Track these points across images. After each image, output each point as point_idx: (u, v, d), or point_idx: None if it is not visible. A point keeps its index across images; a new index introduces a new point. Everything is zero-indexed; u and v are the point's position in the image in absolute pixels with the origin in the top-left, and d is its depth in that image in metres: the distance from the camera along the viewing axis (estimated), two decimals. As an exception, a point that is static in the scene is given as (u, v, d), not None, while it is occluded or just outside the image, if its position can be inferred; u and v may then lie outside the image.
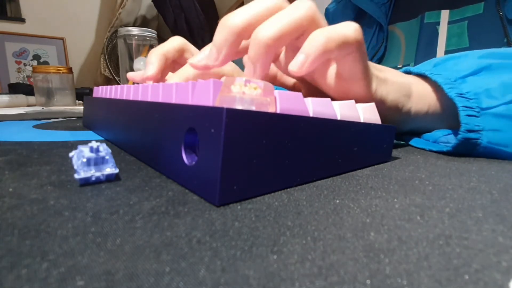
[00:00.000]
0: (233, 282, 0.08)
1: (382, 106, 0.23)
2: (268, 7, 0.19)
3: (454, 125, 0.23)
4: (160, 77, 0.29)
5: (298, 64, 0.18)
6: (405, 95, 0.25)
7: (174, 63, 0.31)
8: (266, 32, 0.18)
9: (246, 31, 0.19)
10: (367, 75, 0.21)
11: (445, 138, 0.26)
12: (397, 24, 0.52)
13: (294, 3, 0.19)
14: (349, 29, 0.19)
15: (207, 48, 0.20)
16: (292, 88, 0.32)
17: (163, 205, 0.12)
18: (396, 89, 0.25)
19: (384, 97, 0.24)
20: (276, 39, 0.18)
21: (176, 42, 0.31)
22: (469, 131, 0.22)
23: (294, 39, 0.19)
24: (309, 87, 0.27)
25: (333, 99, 0.24)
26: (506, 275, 0.08)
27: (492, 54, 0.26)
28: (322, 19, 0.20)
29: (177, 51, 0.31)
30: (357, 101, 0.22)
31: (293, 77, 0.27)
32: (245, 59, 0.19)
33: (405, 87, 0.25)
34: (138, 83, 0.33)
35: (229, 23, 0.19)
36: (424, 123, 0.28)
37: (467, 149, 0.24)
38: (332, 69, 0.22)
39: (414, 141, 0.29)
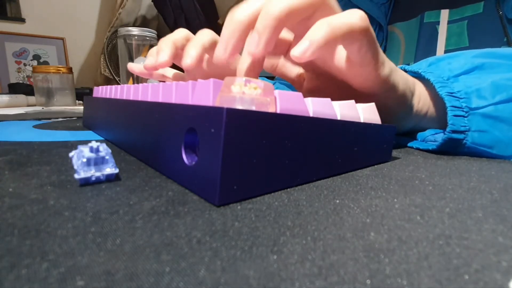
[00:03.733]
0: (233, 282, 0.08)
1: (393, 94, 0.23)
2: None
3: (446, 124, 0.24)
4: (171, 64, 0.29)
5: (301, 50, 0.17)
6: (410, 91, 0.25)
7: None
8: (277, 5, 0.17)
9: (253, 24, 0.18)
10: (377, 61, 0.21)
11: (433, 137, 0.26)
12: (396, 24, 0.52)
13: None
14: (355, 17, 0.19)
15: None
16: (295, 78, 0.31)
17: (163, 205, 0.12)
18: (404, 80, 0.25)
19: (396, 84, 0.23)
20: (287, 13, 0.17)
21: (182, 32, 0.31)
22: (455, 131, 0.23)
23: (304, 18, 0.19)
24: (313, 77, 0.27)
25: (338, 92, 0.24)
26: (506, 275, 0.08)
27: (486, 54, 0.26)
28: (334, 1, 0.19)
29: (184, 39, 0.31)
30: (369, 86, 0.22)
31: (304, 66, 0.26)
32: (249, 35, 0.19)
33: (410, 83, 0.26)
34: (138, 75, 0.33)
35: (235, 17, 0.19)
36: (423, 123, 0.29)
37: (452, 148, 0.24)
38: (342, 53, 0.22)
39: (404, 139, 0.29)
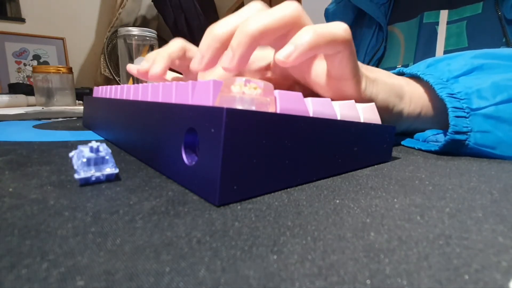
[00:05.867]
0: (233, 282, 0.08)
1: None
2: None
3: (446, 125, 0.24)
4: (164, 77, 0.30)
5: (285, 54, 0.18)
6: (397, 96, 0.25)
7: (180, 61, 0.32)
8: (252, 24, 0.18)
9: (229, 39, 0.19)
10: (356, 74, 0.22)
11: (434, 138, 0.26)
12: (396, 24, 0.52)
13: (281, 4, 0.19)
14: (339, 28, 0.19)
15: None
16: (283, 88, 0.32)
17: (163, 205, 0.12)
18: (387, 89, 0.25)
19: (374, 96, 0.24)
20: (261, 32, 0.18)
21: (177, 43, 0.32)
22: (457, 132, 0.23)
23: (279, 36, 0.20)
24: (298, 89, 0.27)
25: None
26: (506, 275, 0.08)
27: (486, 54, 0.26)
28: (308, 20, 0.20)
29: (180, 50, 0.31)
30: (346, 99, 0.22)
31: (285, 66, 0.27)
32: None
33: (397, 88, 0.26)
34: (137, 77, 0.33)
35: (214, 31, 0.20)
36: (417, 124, 0.28)
37: (454, 149, 0.24)
38: (322, 68, 0.22)
39: (404, 139, 0.29)
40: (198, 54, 0.20)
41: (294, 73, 0.25)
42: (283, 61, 0.18)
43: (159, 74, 0.29)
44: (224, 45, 0.20)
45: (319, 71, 0.23)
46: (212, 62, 0.20)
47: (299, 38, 0.18)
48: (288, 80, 0.27)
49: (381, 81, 0.25)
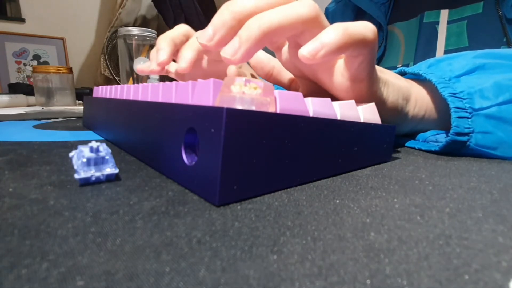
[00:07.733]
0: (233, 282, 0.08)
1: (381, 107, 0.23)
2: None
3: (448, 125, 0.23)
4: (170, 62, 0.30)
5: (312, 51, 0.17)
6: (404, 98, 0.25)
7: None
8: (266, 19, 0.17)
9: (247, 19, 0.18)
10: (371, 76, 0.21)
11: (434, 138, 0.26)
12: (396, 24, 0.52)
13: (299, 1, 0.18)
14: (368, 29, 0.18)
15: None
16: (288, 86, 0.31)
17: (163, 205, 0.12)
18: (396, 91, 0.24)
19: (384, 98, 0.23)
20: (274, 29, 0.17)
21: (182, 28, 0.32)
22: (458, 134, 0.22)
23: (292, 35, 0.19)
24: (307, 84, 0.27)
25: (332, 97, 0.24)
26: (506, 275, 0.08)
27: (487, 54, 0.26)
28: (326, 21, 0.19)
29: (183, 35, 0.31)
30: (357, 100, 0.22)
31: (293, 72, 0.26)
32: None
33: (404, 91, 0.25)
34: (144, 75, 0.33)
35: (231, 7, 0.18)
36: (420, 126, 0.28)
37: (455, 150, 0.24)
38: (338, 66, 0.22)
39: (404, 140, 0.29)
40: (210, 28, 0.18)
41: (305, 69, 0.24)
42: (308, 58, 0.17)
43: (166, 61, 0.29)
44: (241, 24, 0.18)
45: (335, 69, 0.22)
46: (224, 40, 0.18)
47: (328, 35, 0.17)
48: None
49: (391, 82, 0.24)
